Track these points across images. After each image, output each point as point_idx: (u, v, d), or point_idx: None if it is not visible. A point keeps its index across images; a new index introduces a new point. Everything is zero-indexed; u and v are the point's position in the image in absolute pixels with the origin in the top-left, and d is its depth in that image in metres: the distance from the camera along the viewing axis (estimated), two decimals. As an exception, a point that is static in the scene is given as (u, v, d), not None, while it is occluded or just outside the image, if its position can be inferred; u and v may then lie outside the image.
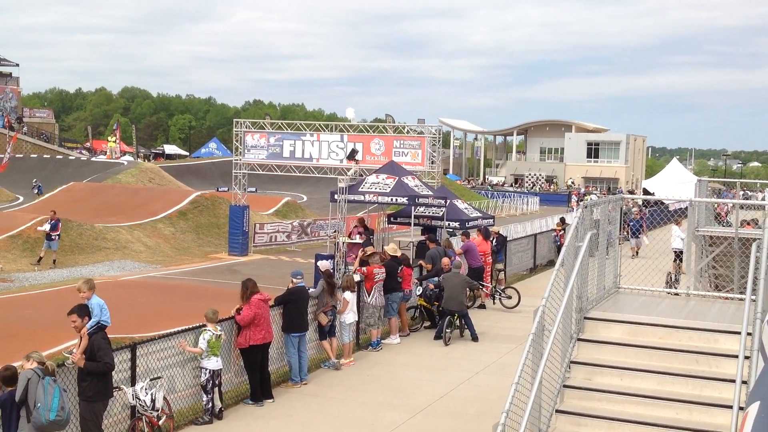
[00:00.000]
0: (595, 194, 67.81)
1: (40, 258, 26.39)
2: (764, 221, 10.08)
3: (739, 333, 7.59)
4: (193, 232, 34.27)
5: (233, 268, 26.78)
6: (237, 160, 29.97)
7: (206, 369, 11.42)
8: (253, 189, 46.70)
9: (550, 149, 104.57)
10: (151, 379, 10.40)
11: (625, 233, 25.78)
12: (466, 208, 25.87)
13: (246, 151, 29.60)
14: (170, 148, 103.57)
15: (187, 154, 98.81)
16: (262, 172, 30.32)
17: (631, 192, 71.24)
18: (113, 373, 9.59)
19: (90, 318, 9.28)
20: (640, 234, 29.01)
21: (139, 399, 10.07)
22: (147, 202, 37.35)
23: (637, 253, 26.86)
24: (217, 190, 47.44)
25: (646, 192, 53.32)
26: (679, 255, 20.41)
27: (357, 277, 15.96)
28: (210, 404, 11.44)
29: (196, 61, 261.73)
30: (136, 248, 30.24)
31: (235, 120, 31.21)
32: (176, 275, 25.45)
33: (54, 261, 26.36)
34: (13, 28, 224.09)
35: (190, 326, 11.62)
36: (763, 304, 6.58)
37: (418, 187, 23.37)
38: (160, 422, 10.25)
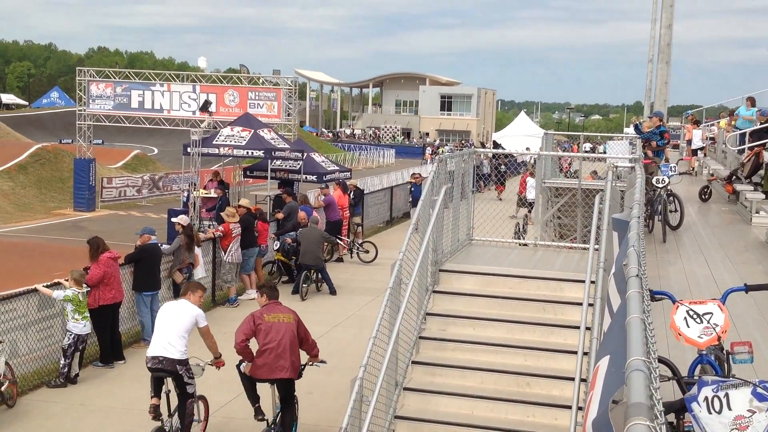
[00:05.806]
0: (449, 147, 69.18)
1: None
2: (606, 173, 10.56)
3: (583, 281, 7.93)
4: (34, 186, 32.43)
5: (79, 225, 25.62)
6: (81, 110, 28.50)
7: (71, 333, 10.97)
8: (100, 141, 44.67)
9: (406, 102, 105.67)
10: (-10, 345, 9.79)
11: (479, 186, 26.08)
12: (323, 162, 25.81)
13: (91, 101, 28.17)
14: (7, 98, 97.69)
15: (27, 104, 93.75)
16: (109, 124, 28.98)
17: (483, 145, 73.21)
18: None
19: None
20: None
21: (-22, 366, 9.47)
22: (-19, 155, 34.88)
23: None
24: (60, 143, 45.19)
25: (495, 145, 55.01)
26: (533, 205, 21.12)
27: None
28: (66, 369, 10.96)
29: (35, 4, 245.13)
30: (-30, 205, 28.32)
31: (78, 68, 29.62)
32: (17, 233, 24.09)
33: None
34: None
35: (30, 287, 11.00)
36: (605, 254, 6.87)
37: (274, 140, 23.05)
38: (2, 388, 9.71)
